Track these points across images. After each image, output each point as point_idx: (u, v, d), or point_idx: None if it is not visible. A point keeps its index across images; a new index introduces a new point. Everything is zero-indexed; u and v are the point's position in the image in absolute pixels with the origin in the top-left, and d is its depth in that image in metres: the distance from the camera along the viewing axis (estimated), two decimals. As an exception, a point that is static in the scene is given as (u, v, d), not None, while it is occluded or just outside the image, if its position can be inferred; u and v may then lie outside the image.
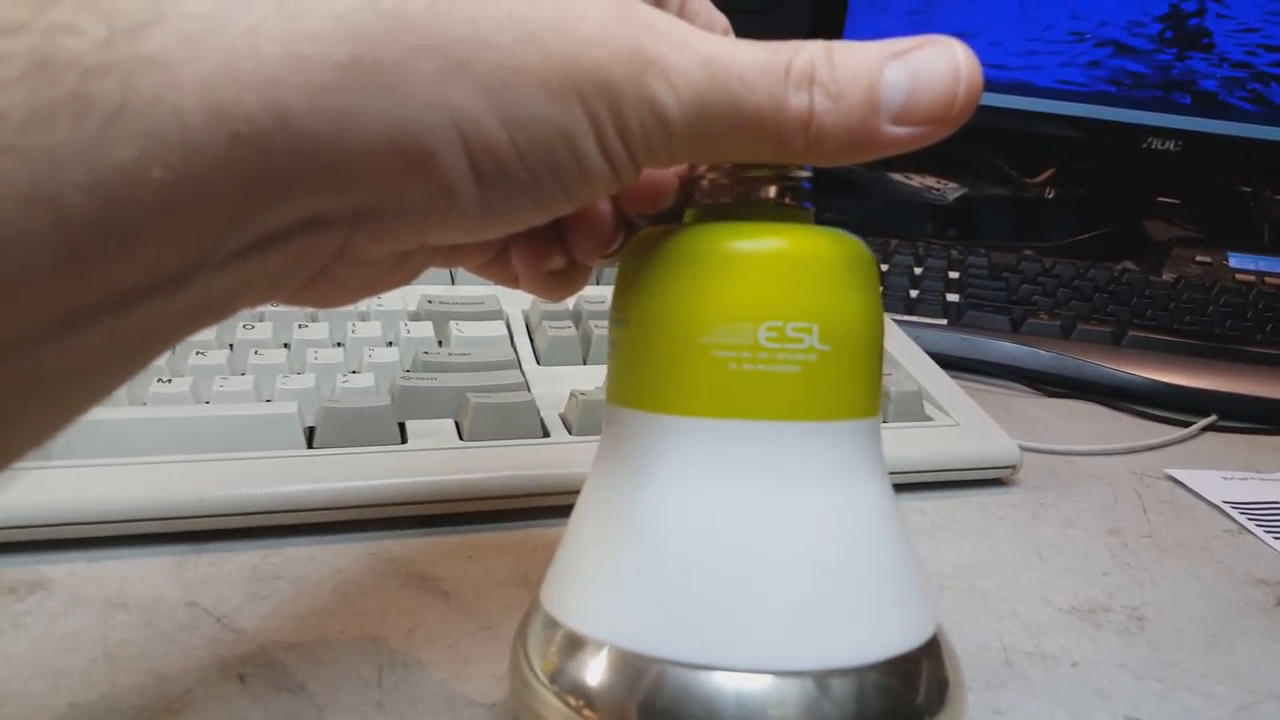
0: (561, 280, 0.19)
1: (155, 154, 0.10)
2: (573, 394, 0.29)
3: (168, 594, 0.22)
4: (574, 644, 0.15)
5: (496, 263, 0.19)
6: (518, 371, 0.30)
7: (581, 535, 0.16)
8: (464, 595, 0.22)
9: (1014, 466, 0.32)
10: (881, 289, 0.52)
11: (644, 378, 0.15)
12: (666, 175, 0.17)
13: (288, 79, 0.10)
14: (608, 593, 0.15)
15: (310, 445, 0.26)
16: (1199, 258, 0.59)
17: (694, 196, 0.17)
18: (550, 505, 0.26)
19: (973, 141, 0.73)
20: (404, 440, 0.27)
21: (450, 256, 0.18)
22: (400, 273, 0.17)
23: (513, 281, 0.19)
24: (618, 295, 0.16)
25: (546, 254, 0.18)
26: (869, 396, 0.15)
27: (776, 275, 0.14)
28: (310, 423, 0.27)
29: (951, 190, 0.71)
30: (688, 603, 0.14)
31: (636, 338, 0.15)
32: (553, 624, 0.15)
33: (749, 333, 0.14)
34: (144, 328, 0.11)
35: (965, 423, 0.33)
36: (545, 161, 0.12)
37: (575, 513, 0.17)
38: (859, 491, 0.15)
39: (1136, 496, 0.33)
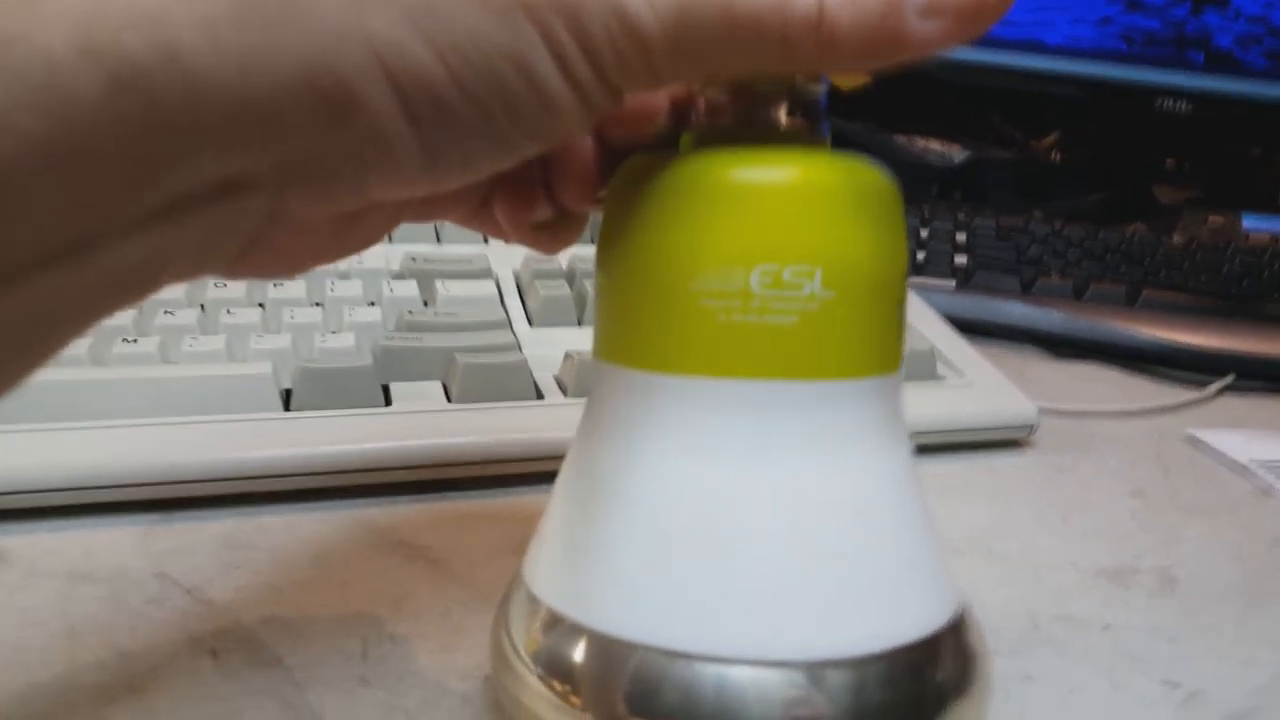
0: (554, 231, 0.17)
1: (21, 99, 0.09)
2: (568, 355, 0.28)
3: (134, 565, 0.20)
4: (555, 625, 0.13)
5: (481, 215, 0.17)
6: (508, 331, 0.29)
7: (562, 506, 0.15)
8: (454, 564, 0.21)
9: (1031, 427, 0.30)
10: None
11: (627, 330, 0.14)
12: (653, 95, 0.15)
13: (175, 12, 0.09)
14: (586, 571, 0.13)
15: (287, 408, 0.25)
16: (1211, 219, 0.58)
17: (690, 118, 0.15)
18: (545, 470, 0.25)
19: (978, 103, 0.71)
20: (388, 403, 0.25)
21: (424, 211, 0.16)
22: (354, 237, 0.15)
23: (502, 233, 0.17)
24: (602, 235, 0.14)
25: (529, 202, 0.16)
26: (883, 350, 0.13)
27: (773, 210, 0.13)
28: (286, 385, 0.25)
29: (956, 153, 0.69)
30: (669, 584, 0.13)
31: (620, 284, 0.14)
32: (534, 601, 0.14)
33: (740, 278, 0.12)
34: (41, 307, 0.10)
35: (979, 383, 0.31)
36: (493, 93, 0.11)
37: (558, 480, 0.15)
38: (867, 460, 0.13)
39: (1156, 458, 0.31)
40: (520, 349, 0.28)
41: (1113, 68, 0.61)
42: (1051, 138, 0.72)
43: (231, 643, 0.18)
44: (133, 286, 0.11)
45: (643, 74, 0.11)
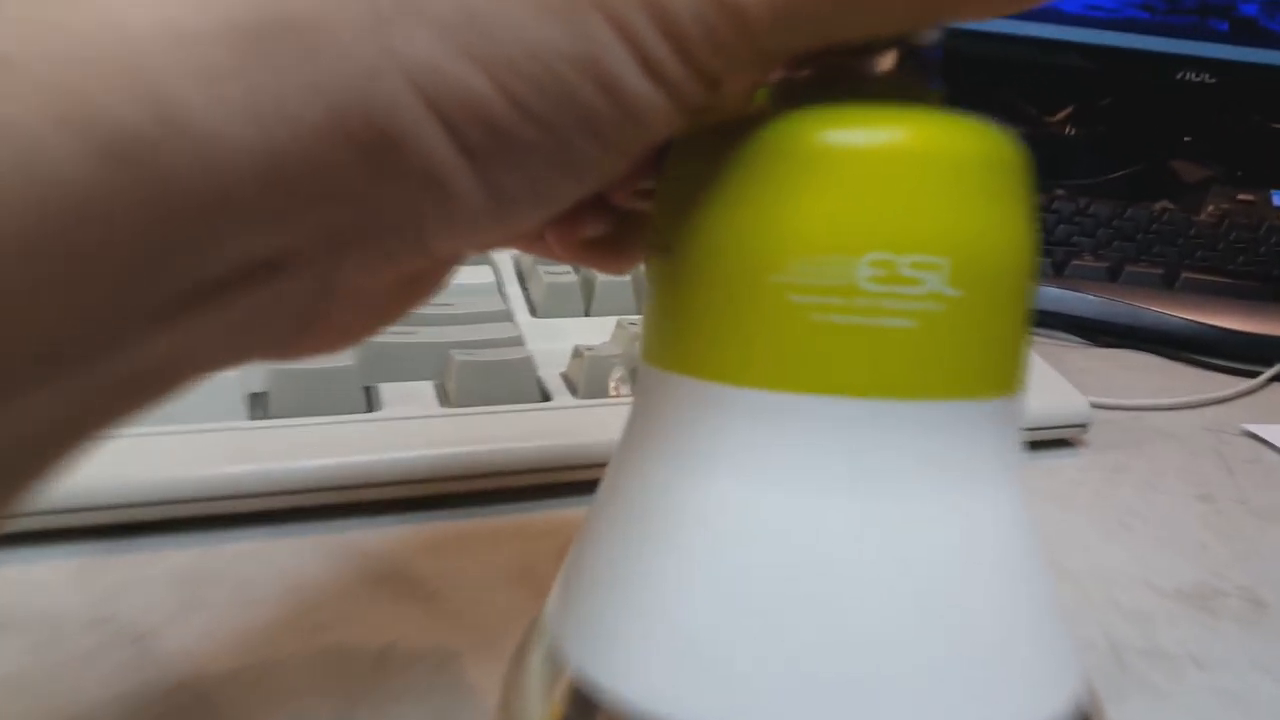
0: (613, 248, 0.14)
1: (4, 193, 0.07)
2: (577, 350, 0.25)
3: (72, 607, 0.17)
4: (587, 696, 0.11)
5: (539, 237, 0.14)
6: (511, 324, 0.26)
7: (602, 544, 0.12)
8: (452, 598, 0.18)
9: (1085, 425, 0.28)
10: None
11: (690, 331, 0.11)
12: None
13: (172, 65, 0.08)
14: (631, 627, 0.11)
15: (256, 415, 0.21)
16: (1240, 196, 0.55)
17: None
18: (554, 483, 0.22)
19: (992, 76, 0.68)
20: (373, 408, 0.22)
21: (487, 243, 0.14)
22: (416, 290, 0.13)
23: (555, 255, 0.14)
24: (658, 213, 0.12)
25: (576, 213, 0.13)
26: (1012, 364, 0.11)
27: (889, 184, 0.10)
28: (255, 388, 0.22)
29: (969, 128, 0.67)
30: (741, 653, 0.10)
31: (682, 273, 0.11)
32: (559, 660, 0.11)
33: (844, 269, 0.10)
34: (52, 416, 0.09)
35: (1028, 377, 0.28)
36: (562, 111, 0.09)
37: (594, 509, 0.12)
38: (993, 504, 0.11)
39: (1217, 455, 0.29)
40: (523, 343, 0.25)
41: (1132, 37, 0.59)
42: (1065, 112, 0.69)
43: (187, 706, 0.15)
44: (158, 386, 0.10)
45: (744, 55, 0.09)
